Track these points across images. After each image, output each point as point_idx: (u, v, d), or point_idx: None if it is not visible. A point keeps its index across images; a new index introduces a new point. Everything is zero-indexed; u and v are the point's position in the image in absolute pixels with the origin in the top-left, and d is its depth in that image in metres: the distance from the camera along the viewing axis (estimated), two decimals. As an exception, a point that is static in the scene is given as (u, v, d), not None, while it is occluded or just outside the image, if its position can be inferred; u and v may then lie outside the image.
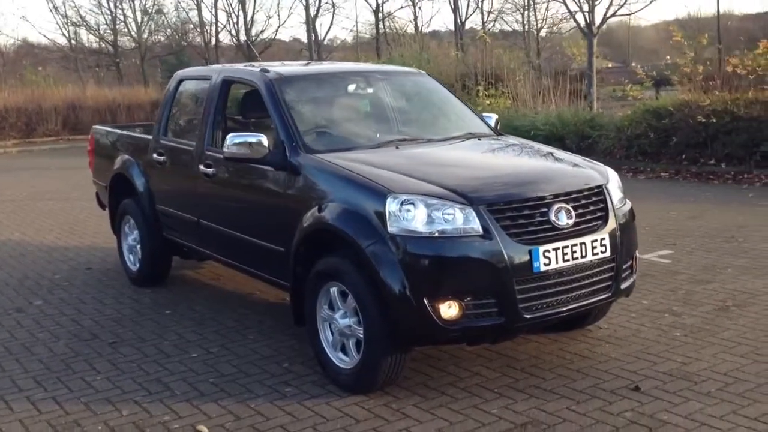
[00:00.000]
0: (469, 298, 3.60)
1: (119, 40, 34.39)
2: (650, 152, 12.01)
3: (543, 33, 39.21)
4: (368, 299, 3.75)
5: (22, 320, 5.50)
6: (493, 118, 5.39)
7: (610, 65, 24.75)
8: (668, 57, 15.42)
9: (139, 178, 6.05)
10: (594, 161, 4.53)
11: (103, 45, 34.68)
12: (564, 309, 3.78)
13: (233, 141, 4.45)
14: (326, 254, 4.07)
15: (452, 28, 36.88)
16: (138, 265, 6.24)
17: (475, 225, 3.63)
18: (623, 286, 4.07)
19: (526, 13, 38.64)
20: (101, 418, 3.82)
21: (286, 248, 4.37)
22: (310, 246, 4.18)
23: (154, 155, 5.80)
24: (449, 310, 3.59)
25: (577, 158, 4.55)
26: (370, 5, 36.10)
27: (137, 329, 5.20)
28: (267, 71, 4.94)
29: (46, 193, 12.39)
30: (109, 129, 7.02)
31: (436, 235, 3.62)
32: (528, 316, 3.67)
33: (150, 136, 6.15)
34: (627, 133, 12.30)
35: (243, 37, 35.41)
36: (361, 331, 3.85)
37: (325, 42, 37.20)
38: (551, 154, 4.63)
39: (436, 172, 4.00)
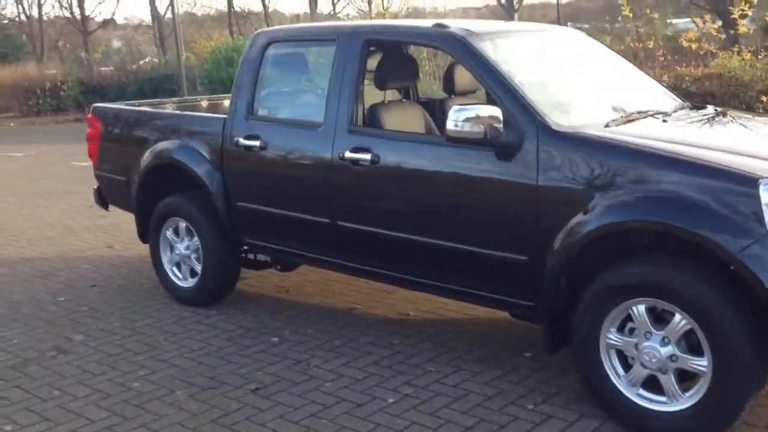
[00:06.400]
0: None
1: None
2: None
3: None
4: (726, 320, 2.87)
5: (83, 365, 4.03)
6: None
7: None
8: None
9: (204, 169, 4.66)
10: None
11: None
12: None
13: (463, 116, 3.36)
14: (617, 262, 3.14)
15: (297, 10, 35.72)
16: (197, 279, 4.86)
17: None
18: None
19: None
20: None
21: (531, 256, 3.38)
22: (589, 252, 3.22)
23: (240, 140, 4.45)
24: None
25: None
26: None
27: (263, 366, 3.94)
28: (446, 27, 3.85)
29: None
30: (129, 108, 5.46)
31: None
32: None
33: (218, 115, 4.78)
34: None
35: (76, 10, 32.05)
36: (698, 362, 2.97)
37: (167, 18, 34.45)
38: None
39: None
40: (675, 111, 3.96)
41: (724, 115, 4.12)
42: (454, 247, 3.63)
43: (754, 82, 10.49)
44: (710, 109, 4.23)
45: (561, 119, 3.43)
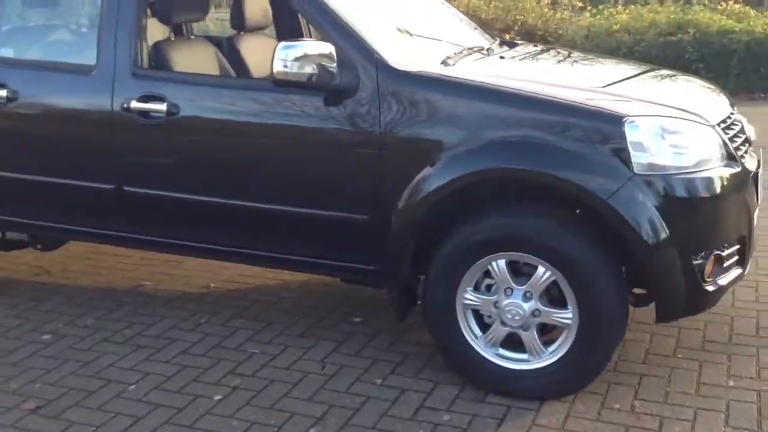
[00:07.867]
0: (724, 249, 2.81)
1: None
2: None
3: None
4: (592, 268, 2.69)
5: None
6: None
7: None
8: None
9: None
10: None
11: None
12: None
13: (293, 54, 2.78)
14: (473, 217, 2.83)
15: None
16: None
17: (722, 150, 2.82)
18: None
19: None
20: None
21: (373, 216, 2.97)
22: (440, 208, 2.87)
23: (-26, 89, 3.46)
24: (710, 266, 2.76)
25: None
26: None
27: (40, 375, 3.13)
28: None
29: None
30: None
31: (692, 168, 2.72)
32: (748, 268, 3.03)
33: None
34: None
35: None
36: (562, 314, 2.78)
37: None
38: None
39: (626, 89, 3.07)
40: (499, 47, 3.73)
41: (551, 51, 3.97)
42: (280, 209, 3.09)
43: (494, 20, 10.93)
44: (527, 44, 4.07)
45: (397, 57, 3.00)
